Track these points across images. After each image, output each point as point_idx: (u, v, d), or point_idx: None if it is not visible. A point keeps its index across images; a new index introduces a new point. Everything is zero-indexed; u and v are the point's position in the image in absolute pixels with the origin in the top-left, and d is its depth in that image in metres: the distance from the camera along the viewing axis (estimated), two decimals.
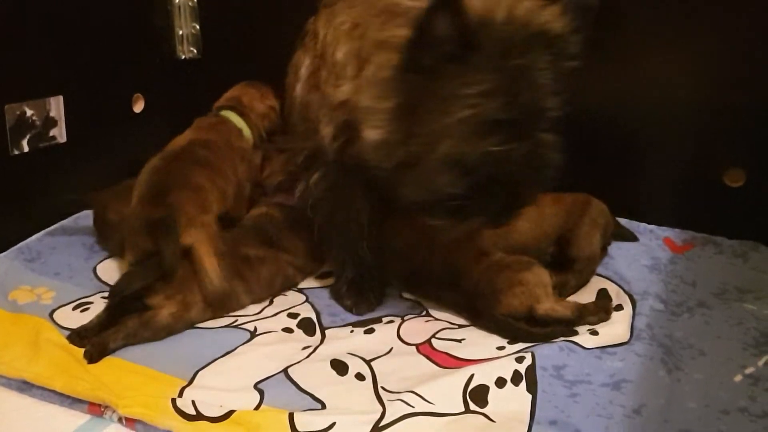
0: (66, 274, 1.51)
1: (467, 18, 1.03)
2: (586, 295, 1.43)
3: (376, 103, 1.14)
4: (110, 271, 1.53)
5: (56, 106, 1.66)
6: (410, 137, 1.12)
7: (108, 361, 1.21)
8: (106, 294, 1.44)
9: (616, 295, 1.43)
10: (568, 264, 1.44)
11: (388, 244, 1.45)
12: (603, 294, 1.44)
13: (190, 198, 1.38)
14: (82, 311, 1.37)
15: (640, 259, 1.56)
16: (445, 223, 1.18)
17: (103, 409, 1.13)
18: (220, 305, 1.34)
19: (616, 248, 1.55)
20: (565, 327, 1.29)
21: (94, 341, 1.22)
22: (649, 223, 1.69)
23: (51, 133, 1.66)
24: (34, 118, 1.61)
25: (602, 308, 1.33)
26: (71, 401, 1.15)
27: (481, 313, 1.33)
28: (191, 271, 1.31)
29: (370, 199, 1.39)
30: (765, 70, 1.52)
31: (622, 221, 1.68)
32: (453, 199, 1.12)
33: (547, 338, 1.27)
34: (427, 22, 1.04)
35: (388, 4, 1.18)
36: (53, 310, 1.37)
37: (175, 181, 1.40)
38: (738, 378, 1.20)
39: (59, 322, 1.33)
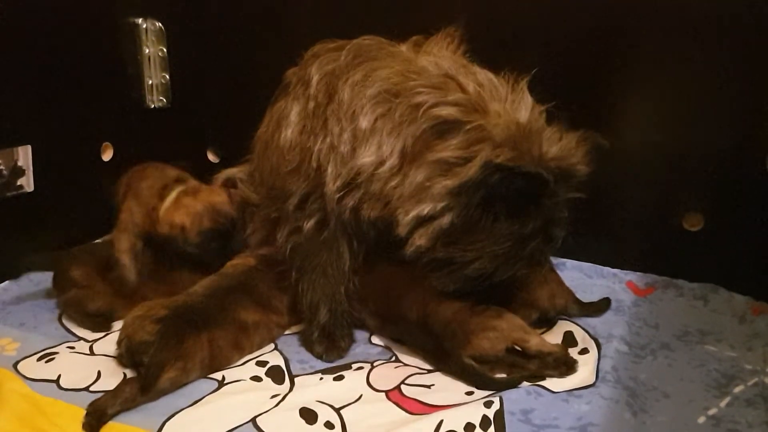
0: (31, 324, 1.50)
1: (521, 184, 1.17)
2: (552, 339, 1.44)
3: (425, 208, 1.22)
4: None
5: (24, 156, 1.66)
6: (451, 244, 1.24)
7: (74, 412, 1.19)
8: (71, 344, 1.43)
9: (582, 339, 1.45)
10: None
11: (366, 282, 1.46)
12: (569, 337, 1.46)
13: None
14: (47, 362, 1.35)
15: None
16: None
17: None
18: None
19: (581, 292, 1.58)
20: (527, 374, 1.31)
21: (91, 409, 1.19)
22: (612, 267, 1.73)
23: (18, 183, 1.66)
24: (1, 167, 1.61)
25: (564, 363, 1.32)
26: None
27: (447, 355, 1.33)
28: (196, 341, 1.30)
29: (352, 247, 1.41)
30: (721, 119, 1.58)
31: (586, 265, 1.72)
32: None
33: (510, 385, 1.28)
34: (482, 182, 1.17)
35: (419, 69, 1.27)
36: (17, 361, 1.35)
37: None
38: (701, 420, 1.22)
39: (24, 373, 1.31)
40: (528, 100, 1.26)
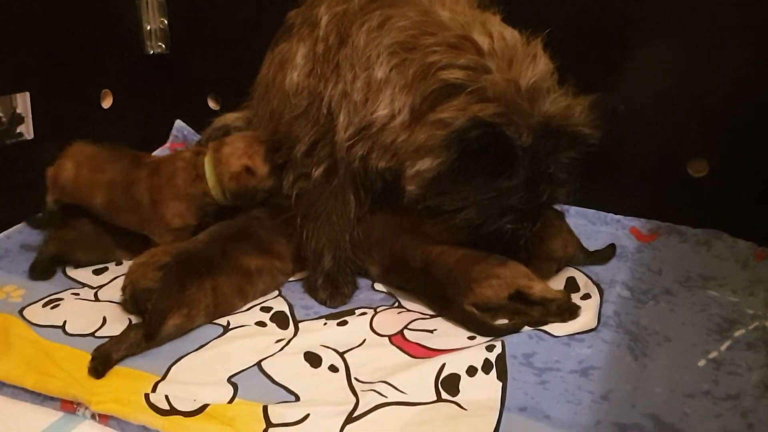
0: None
1: (504, 142, 1.17)
2: (554, 285, 1.44)
3: (425, 163, 1.23)
4: (79, 268, 1.52)
5: (23, 103, 1.64)
6: (440, 194, 1.25)
7: (80, 357, 1.21)
8: (76, 290, 1.44)
9: (584, 285, 1.46)
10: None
11: (370, 231, 1.47)
12: (571, 283, 1.46)
13: None
14: (52, 308, 1.36)
15: None
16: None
17: (75, 406, 1.14)
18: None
19: (585, 239, 1.57)
20: (528, 320, 1.31)
21: (96, 354, 1.19)
22: (615, 214, 1.72)
23: (18, 130, 1.64)
24: (0, 115, 1.59)
25: (567, 309, 1.33)
26: (43, 398, 1.15)
27: (449, 302, 1.34)
28: (200, 288, 1.30)
29: (359, 196, 1.41)
30: (726, 64, 1.55)
31: (589, 212, 1.72)
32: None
33: (511, 331, 1.29)
34: (464, 137, 1.16)
35: (437, 23, 1.25)
36: (23, 308, 1.36)
37: None
38: (702, 363, 1.23)
39: (30, 319, 1.32)
40: (540, 61, 1.24)
